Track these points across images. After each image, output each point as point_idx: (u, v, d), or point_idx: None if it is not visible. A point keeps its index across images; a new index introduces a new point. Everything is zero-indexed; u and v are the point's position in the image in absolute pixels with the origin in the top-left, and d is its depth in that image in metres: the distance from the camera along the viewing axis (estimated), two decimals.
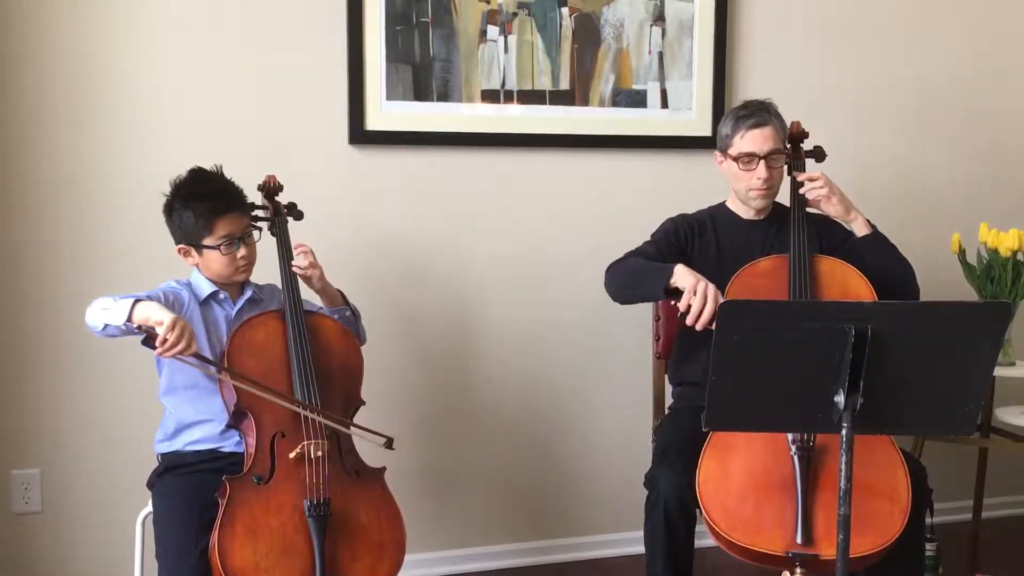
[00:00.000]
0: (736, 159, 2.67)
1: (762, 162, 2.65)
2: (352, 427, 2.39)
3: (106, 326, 2.22)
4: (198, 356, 2.24)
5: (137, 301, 2.20)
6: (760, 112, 2.66)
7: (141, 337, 2.21)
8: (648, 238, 2.77)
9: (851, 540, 1.94)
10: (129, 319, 2.18)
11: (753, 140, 2.65)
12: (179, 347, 2.16)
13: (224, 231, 2.41)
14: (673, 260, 2.59)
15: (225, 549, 2.18)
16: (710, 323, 2.33)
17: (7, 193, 2.83)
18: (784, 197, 2.76)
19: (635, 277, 2.59)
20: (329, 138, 3.05)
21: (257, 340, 2.40)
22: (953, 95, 3.64)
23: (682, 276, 2.42)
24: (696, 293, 2.36)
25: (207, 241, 2.41)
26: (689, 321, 2.37)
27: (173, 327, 2.15)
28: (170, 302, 2.39)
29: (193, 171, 2.49)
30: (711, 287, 2.37)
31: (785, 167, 2.75)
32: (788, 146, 2.77)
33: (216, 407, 2.41)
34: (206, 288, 2.47)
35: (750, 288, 2.54)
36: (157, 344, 2.16)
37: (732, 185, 2.75)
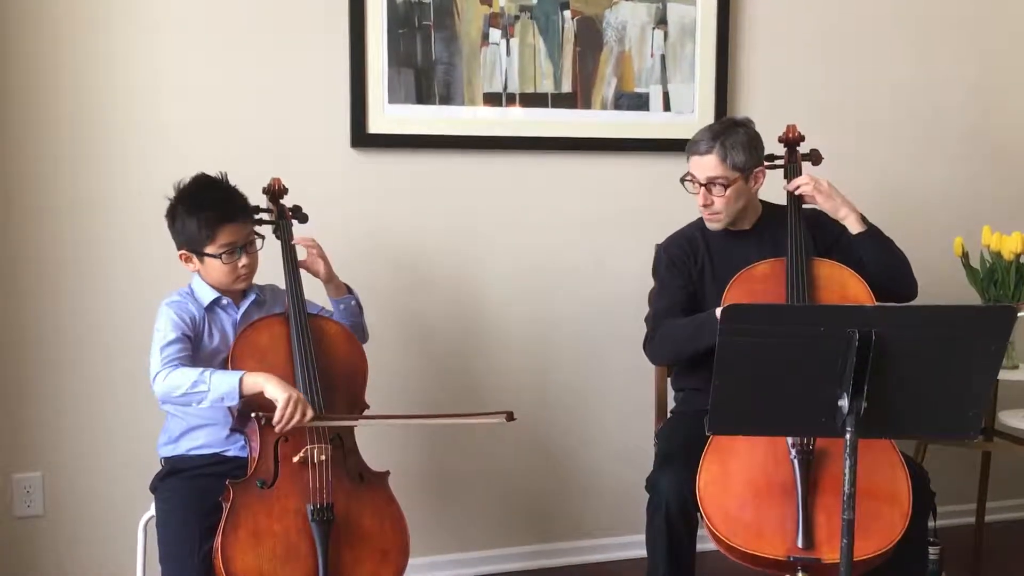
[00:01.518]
0: (683, 179, 2.70)
1: (702, 188, 2.65)
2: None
3: (212, 402, 2.26)
4: (317, 418, 2.28)
5: (241, 377, 2.25)
6: (713, 138, 2.64)
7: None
8: (652, 272, 2.81)
9: None
10: (242, 395, 2.26)
11: (693, 166, 2.67)
12: (295, 421, 2.23)
13: (226, 240, 2.40)
14: (686, 294, 2.71)
15: (228, 553, 2.18)
16: None
17: (8, 196, 2.83)
18: (781, 197, 2.76)
19: (691, 335, 2.58)
20: (331, 141, 3.05)
21: (261, 343, 2.40)
22: (955, 98, 3.64)
23: None
24: None
25: (209, 249, 2.41)
26: None
27: (288, 403, 2.22)
28: (190, 325, 2.41)
29: (197, 178, 2.48)
30: None
31: (780, 171, 2.77)
32: (784, 149, 2.79)
33: (220, 411, 2.40)
34: (208, 295, 2.47)
35: (748, 293, 2.55)
36: (274, 422, 2.22)
37: None
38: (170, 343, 2.34)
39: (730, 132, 2.65)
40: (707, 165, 2.64)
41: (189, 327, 2.40)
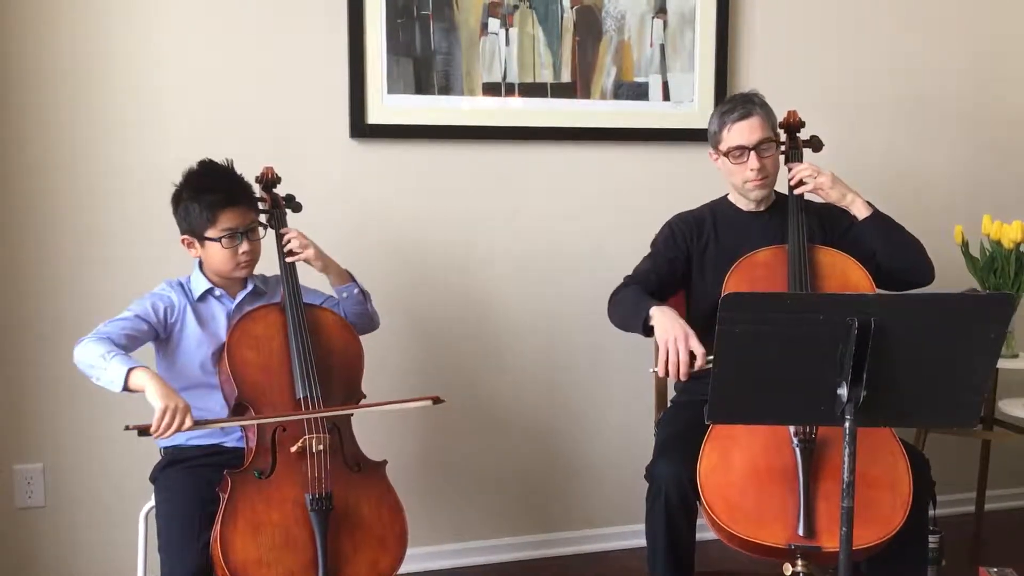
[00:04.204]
0: (727, 154, 2.67)
1: (753, 153, 2.64)
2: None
3: (105, 383, 2.21)
4: (197, 424, 2.20)
5: (131, 370, 2.17)
6: (744, 104, 2.66)
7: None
8: (650, 243, 2.80)
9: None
10: (125, 388, 2.18)
11: (740, 133, 2.64)
12: (171, 430, 2.14)
13: (227, 224, 2.40)
14: (672, 268, 2.71)
15: (227, 543, 2.18)
16: (688, 375, 2.37)
17: (8, 190, 2.83)
18: (784, 186, 2.75)
19: (623, 315, 2.61)
20: (330, 131, 3.05)
21: (256, 333, 2.39)
22: (955, 86, 3.63)
23: (656, 319, 2.44)
24: (668, 349, 2.37)
25: (209, 233, 2.41)
26: (672, 379, 2.41)
27: (164, 413, 2.13)
28: (161, 313, 2.40)
29: (203, 163, 2.49)
30: (682, 338, 2.36)
31: (782, 156, 2.75)
32: (784, 135, 2.77)
33: (217, 404, 2.41)
34: (202, 286, 2.47)
35: (749, 279, 2.54)
36: (151, 431, 2.14)
37: (729, 180, 2.75)
38: (121, 319, 2.34)
39: (757, 97, 2.69)
40: (755, 126, 2.64)
41: (156, 317, 2.39)
